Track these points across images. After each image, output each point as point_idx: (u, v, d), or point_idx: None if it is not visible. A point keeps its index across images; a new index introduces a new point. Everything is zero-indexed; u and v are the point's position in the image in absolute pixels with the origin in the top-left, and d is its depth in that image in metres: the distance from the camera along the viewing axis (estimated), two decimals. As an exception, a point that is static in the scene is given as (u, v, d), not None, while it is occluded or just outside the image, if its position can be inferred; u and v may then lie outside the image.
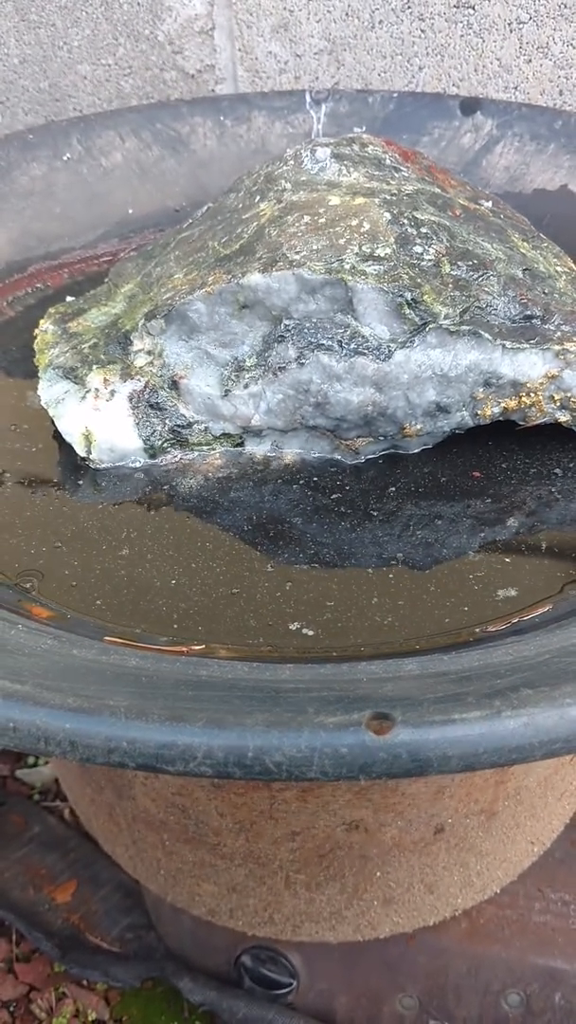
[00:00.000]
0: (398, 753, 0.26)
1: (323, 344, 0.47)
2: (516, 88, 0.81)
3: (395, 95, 0.78)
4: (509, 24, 0.79)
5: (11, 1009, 0.81)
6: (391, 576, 0.44)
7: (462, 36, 0.81)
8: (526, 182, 0.71)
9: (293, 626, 0.41)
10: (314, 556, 0.45)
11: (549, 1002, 0.69)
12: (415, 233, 0.49)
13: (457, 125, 0.75)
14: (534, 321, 0.48)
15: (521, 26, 0.79)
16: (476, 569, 0.44)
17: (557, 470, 0.49)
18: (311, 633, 0.41)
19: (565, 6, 0.77)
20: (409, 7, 0.81)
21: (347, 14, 0.83)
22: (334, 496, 0.48)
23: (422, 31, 0.82)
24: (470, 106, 0.75)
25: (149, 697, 0.30)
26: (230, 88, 0.91)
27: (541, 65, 0.80)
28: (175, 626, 0.41)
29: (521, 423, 0.50)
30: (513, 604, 0.42)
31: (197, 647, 0.39)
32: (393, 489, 0.49)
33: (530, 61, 0.80)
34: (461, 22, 0.80)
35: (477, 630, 0.40)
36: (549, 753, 0.26)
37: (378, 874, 0.57)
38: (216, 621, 0.41)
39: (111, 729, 0.27)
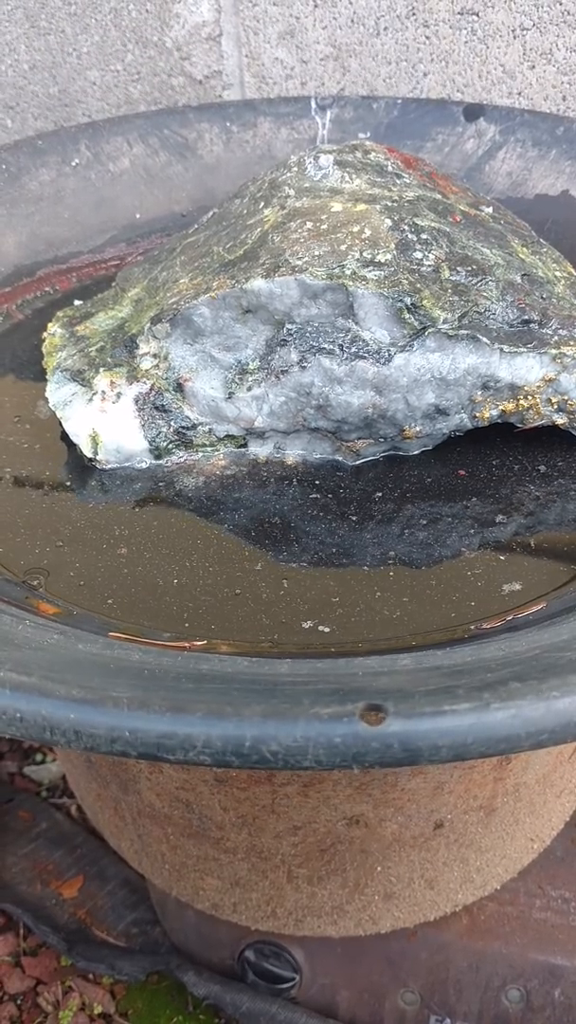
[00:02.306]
0: (390, 743, 0.27)
1: (324, 348, 0.48)
2: (520, 94, 0.82)
3: (399, 101, 0.79)
4: (512, 31, 0.80)
5: (18, 1002, 0.82)
6: (391, 574, 0.45)
7: (466, 42, 0.82)
8: (528, 188, 0.72)
9: (307, 624, 0.42)
10: (316, 555, 0.46)
11: (549, 998, 0.70)
12: (415, 239, 0.50)
13: (460, 131, 0.76)
14: (532, 325, 0.49)
15: (524, 33, 0.80)
16: (474, 565, 0.45)
17: (541, 467, 0.50)
18: (327, 630, 0.42)
19: (568, 13, 0.78)
20: (414, 14, 0.82)
21: (352, 21, 0.84)
22: (335, 496, 0.49)
23: (427, 38, 0.83)
24: (473, 112, 0.76)
25: (151, 689, 0.31)
26: (237, 94, 0.92)
27: (544, 71, 0.81)
28: (186, 624, 0.42)
29: (519, 425, 0.51)
30: (519, 598, 0.43)
31: (199, 643, 0.40)
32: (392, 490, 0.50)
33: (533, 67, 0.81)
34: (465, 29, 0.81)
35: (472, 627, 0.41)
36: (536, 744, 0.27)
37: (379, 869, 0.58)
38: (228, 619, 0.42)
39: (114, 719, 0.28)
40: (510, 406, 0.50)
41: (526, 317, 0.49)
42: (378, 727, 0.27)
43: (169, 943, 0.80)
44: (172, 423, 0.51)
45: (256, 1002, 0.74)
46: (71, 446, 0.52)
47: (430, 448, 0.52)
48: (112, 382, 0.52)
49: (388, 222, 0.50)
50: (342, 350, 0.48)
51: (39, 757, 1.02)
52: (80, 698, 0.29)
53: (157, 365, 0.52)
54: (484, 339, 0.48)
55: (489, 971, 0.71)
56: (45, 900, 0.85)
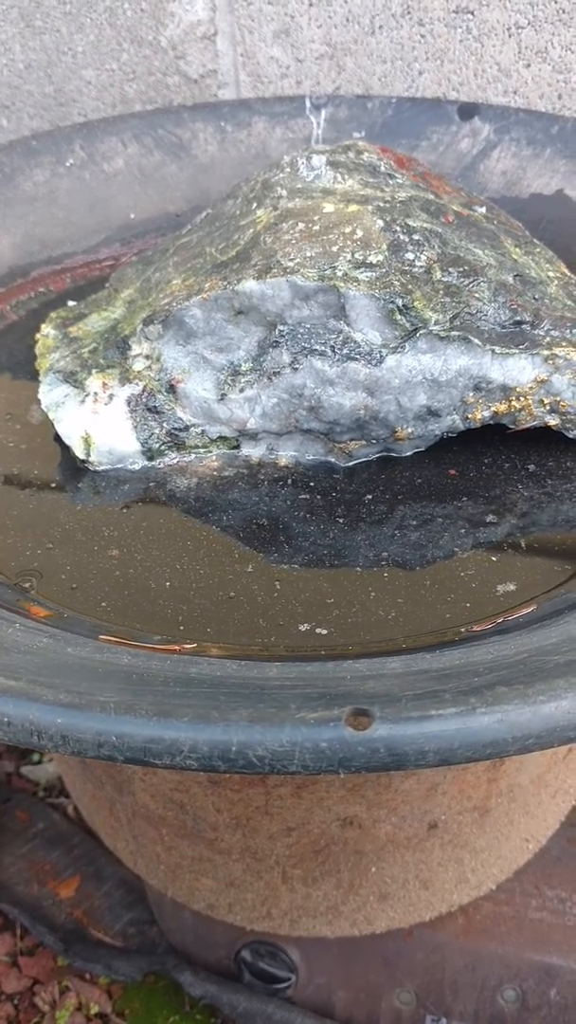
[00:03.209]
0: (376, 748, 0.27)
1: (316, 349, 0.48)
2: (515, 92, 0.82)
3: (394, 100, 0.78)
4: (508, 29, 0.80)
5: (15, 1002, 0.82)
6: (385, 575, 0.45)
7: (461, 41, 0.82)
8: (522, 187, 0.72)
9: (304, 626, 0.42)
10: (309, 557, 0.46)
11: (545, 998, 0.70)
12: (407, 240, 0.50)
13: (455, 130, 0.76)
14: (524, 326, 0.49)
15: (520, 31, 0.79)
16: (467, 566, 0.45)
17: (531, 466, 0.50)
18: (324, 632, 0.42)
19: (563, 11, 0.77)
20: (409, 12, 0.82)
21: (348, 19, 0.84)
22: (328, 498, 0.49)
23: (422, 36, 0.83)
24: (468, 111, 0.76)
25: (138, 693, 0.31)
26: (232, 93, 0.92)
27: (540, 69, 0.80)
28: (181, 627, 0.42)
29: (511, 426, 0.51)
30: (513, 599, 0.43)
31: (189, 645, 0.40)
32: (384, 492, 0.49)
33: (529, 66, 0.80)
34: (460, 27, 0.81)
35: (463, 629, 0.41)
36: (523, 748, 0.27)
37: (373, 869, 0.58)
38: (223, 622, 0.42)
39: (101, 724, 0.28)
40: (502, 407, 0.49)
41: (518, 318, 0.49)
42: (364, 732, 0.27)
43: (166, 943, 0.80)
44: (164, 424, 0.51)
45: (252, 1002, 0.74)
46: (63, 447, 0.52)
47: (423, 449, 0.52)
48: (104, 383, 0.52)
49: (380, 223, 0.50)
50: (334, 351, 0.48)
51: (36, 757, 1.02)
52: (67, 702, 0.29)
53: (149, 366, 0.51)
54: (476, 340, 0.47)
55: (485, 971, 0.71)
56: (42, 900, 0.85)
